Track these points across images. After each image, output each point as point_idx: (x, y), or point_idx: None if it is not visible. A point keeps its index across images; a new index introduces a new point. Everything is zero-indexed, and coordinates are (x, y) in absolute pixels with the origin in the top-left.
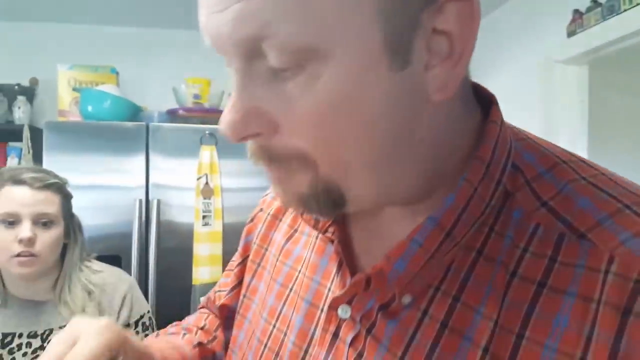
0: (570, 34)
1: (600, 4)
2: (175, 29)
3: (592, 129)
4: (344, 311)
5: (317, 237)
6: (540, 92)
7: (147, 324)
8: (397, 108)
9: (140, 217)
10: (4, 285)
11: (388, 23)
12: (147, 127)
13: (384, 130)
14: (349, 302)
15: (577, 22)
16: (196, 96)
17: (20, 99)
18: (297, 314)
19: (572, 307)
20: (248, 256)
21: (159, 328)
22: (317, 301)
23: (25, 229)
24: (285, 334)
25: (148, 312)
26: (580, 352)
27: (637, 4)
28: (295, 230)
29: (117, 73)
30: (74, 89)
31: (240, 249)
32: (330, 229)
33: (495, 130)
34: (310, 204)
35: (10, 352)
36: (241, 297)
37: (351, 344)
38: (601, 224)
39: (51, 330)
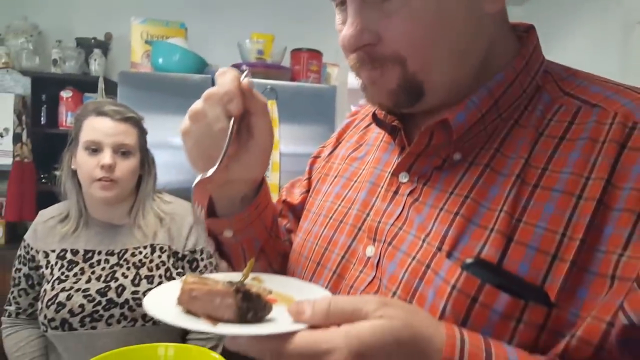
0: None
1: None
2: None
3: None
4: (403, 177)
5: (381, 141)
6: (619, 55)
7: (211, 252)
8: (462, 11)
9: None
10: (86, 208)
11: None
12: (213, 80)
13: (457, 28)
14: (408, 170)
15: None
16: (260, 52)
17: (96, 52)
18: (362, 192)
19: (583, 146)
20: (310, 177)
21: None
22: (379, 182)
23: (106, 156)
24: (349, 208)
25: None
26: (587, 173)
27: None
28: (360, 145)
29: (186, 28)
30: (147, 42)
31: (306, 170)
32: (396, 122)
33: (533, 41)
34: (399, 97)
35: (91, 266)
36: (308, 197)
37: (409, 194)
38: (608, 97)
39: (126, 250)
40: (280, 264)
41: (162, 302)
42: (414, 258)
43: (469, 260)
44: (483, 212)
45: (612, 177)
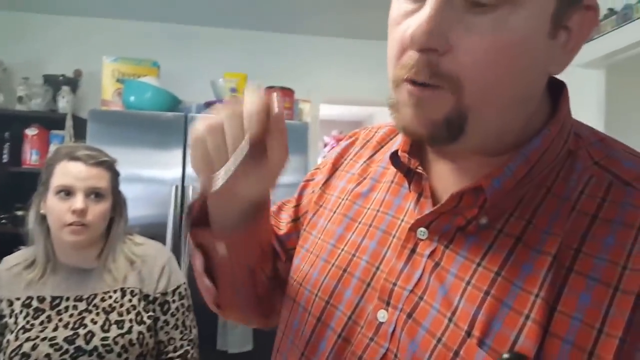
0: (588, 39)
1: (615, 12)
2: (214, 26)
3: (609, 131)
4: (421, 233)
5: (391, 182)
6: None
7: (183, 294)
8: (536, 65)
9: (175, 204)
10: (54, 253)
11: None
12: (186, 118)
13: (526, 79)
14: (427, 226)
15: None
16: (233, 90)
17: (65, 89)
18: (370, 240)
19: (617, 233)
20: (300, 203)
21: (193, 301)
22: (390, 229)
23: (78, 201)
24: (354, 255)
25: (184, 283)
26: (622, 261)
27: None
28: (364, 178)
29: (159, 67)
30: (118, 80)
31: (295, 196)
32: (420, 168)
33: (567, 104)
34: (439, 131)
35: (59, 313)
36: (302, 231)
37: (429, 256)
38: None
39: (95, 295)
40: (267, 289)
41: None
42: (439, 340)
43: (505, 356)
44: (516, 293)
45: None
